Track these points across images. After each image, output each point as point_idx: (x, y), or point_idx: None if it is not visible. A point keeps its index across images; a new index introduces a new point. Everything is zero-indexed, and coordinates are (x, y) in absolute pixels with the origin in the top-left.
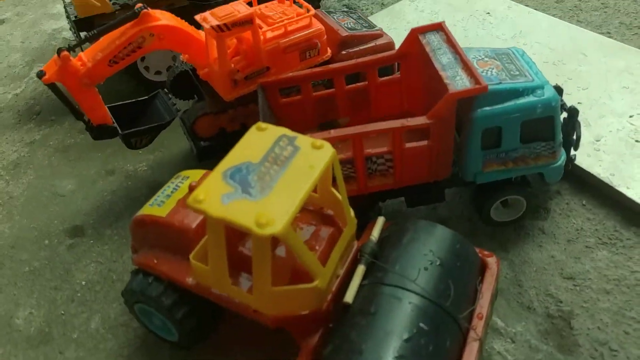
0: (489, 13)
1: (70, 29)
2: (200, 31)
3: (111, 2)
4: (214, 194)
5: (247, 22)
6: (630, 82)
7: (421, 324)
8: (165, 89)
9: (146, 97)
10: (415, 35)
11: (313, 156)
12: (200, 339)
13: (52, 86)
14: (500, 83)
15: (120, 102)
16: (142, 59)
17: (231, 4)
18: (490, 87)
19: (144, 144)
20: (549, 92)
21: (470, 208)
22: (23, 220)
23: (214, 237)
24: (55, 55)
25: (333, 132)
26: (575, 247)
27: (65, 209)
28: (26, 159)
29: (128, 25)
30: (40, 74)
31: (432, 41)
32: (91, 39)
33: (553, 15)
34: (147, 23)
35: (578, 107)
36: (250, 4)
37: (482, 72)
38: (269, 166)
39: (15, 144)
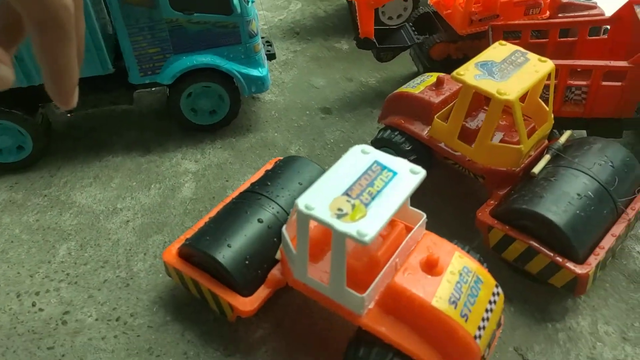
0: None
1: None
2: None
3: None
4: (469, 73)
5: None
6: None
7: (589, 192)
8: (410, 23)
9: (395, 26)
10: (631, 5)
11: (539, 65)
12: None
13: (349, 2)
14: None
15: (378, 27)
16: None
17: None
18: None
19: (388, 58)
20: None
21: None
22: (291, 96)
23: (462, 102)
24: None
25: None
26: None
27: (319, 95)
28: (291, 61)
29: None
30: None
31: None
32: None
33: None
34: None
35: None
36: None
37: None
38: (507, 65)
39: (284, 51)
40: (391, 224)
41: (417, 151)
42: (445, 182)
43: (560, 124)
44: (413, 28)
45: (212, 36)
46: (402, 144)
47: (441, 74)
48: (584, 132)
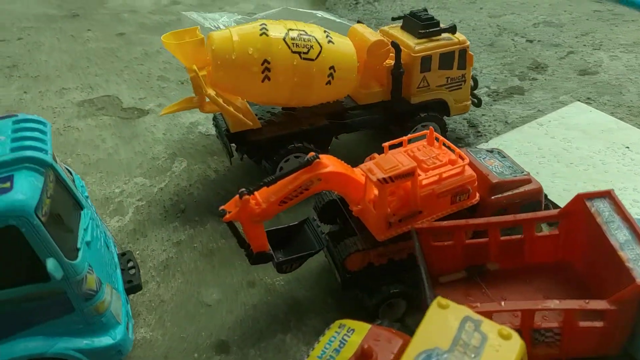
0: (628, 147)
1: (217, 137)
2: (356, 170)
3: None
4: None
5: (409, 174)
6: None
7: None
8: (314, 217)
9: (296, 223)
10: (582, 200)
11: (503, 348)
12: None
13: (229, 223)
14: None
15: (274, 228)
16: (280, 169)
17: (392, 153)
18: None
19: (294, 268)
20: None
21: None
22: (174, 328)
23: None
24: (237, 196)
25: (505, 305)
26: None
27: (211, 320)
28: (174, 261)
29: (301, 171)
30: (222, 213)
31: (602, 211)
32: (269, 184)
33: None
34: (318, 170)
35: None
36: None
37: None
38: (460, 356)
39: (164, 243)
40: None
41: None
42: None
43: None
44: (318, 222)
45: (25, 315)
46: None
47: (365, 344)
48: None
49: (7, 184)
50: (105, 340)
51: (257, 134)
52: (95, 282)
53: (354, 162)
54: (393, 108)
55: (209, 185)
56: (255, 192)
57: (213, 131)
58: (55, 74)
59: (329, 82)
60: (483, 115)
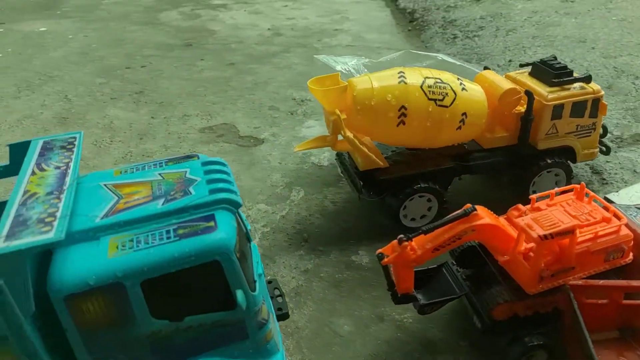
0: None
1: (340, 173)
2: (501, 219)
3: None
4: None
5: (570, 232)
6: None
7: None
8: (452, 262)
9: (435, 265)
10: None
11: None
12: None
13: (385, 266)
14: None
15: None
16: (404, 207)
17: (550, 209)
18: None
19: (434, 310)
20: None
21: None
22: (311, 355)
23: None
24: (395, 241)
25: None
26: None
27: (346, 351)
28: (304, 289)
29: (458, 221)
30: (381, 257)
31: None
32: (426, 232)
33: None
34: (474, 222)
35: None
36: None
37: None
38: None
39: (292, 270)
40: None
41: None
42: None
43: None
44: (457, 267)
45: (209, 339)
46: None
47: None
48: None
49: (212, 223)
50: None
51: (386, 173)
52: (267, 312)
53: (471, 199)
54: (519, 152)
55: (328, 216)
56: (413, 239)
57: (324, 162)
58: (177, 101)
59: (459, 127)
60: (607, 162)
